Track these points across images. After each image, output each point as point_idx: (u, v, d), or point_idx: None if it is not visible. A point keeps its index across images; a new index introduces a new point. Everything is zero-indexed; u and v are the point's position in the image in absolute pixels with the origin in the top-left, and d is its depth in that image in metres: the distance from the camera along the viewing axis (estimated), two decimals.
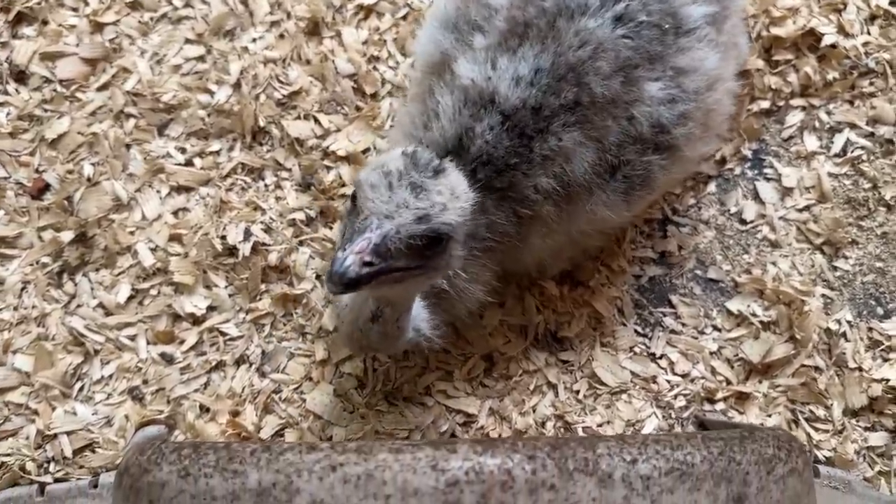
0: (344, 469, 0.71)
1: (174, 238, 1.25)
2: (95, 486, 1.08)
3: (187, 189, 1.29)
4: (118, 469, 0.76)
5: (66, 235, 1.24)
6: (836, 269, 1.29)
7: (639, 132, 0.97)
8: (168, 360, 1.20)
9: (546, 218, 1.00)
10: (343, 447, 0.72)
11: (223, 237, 1.25)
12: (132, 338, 1.20)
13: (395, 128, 1.24)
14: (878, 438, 1.20)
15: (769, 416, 1.21)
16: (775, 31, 1.36)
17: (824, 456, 1.18)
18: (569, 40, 0.93)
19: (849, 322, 1.26)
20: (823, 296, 1.27)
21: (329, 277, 0.72)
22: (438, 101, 0.98)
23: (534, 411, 1.19)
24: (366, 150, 1.31)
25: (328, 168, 1.31)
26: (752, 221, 1.31)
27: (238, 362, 1.20)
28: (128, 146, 1.31)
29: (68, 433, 1.14)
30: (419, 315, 0.99)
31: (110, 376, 1.19)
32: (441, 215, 0.76)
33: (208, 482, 0.67)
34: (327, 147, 1.31)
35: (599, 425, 1.17)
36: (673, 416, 1.20)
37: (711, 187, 1.34)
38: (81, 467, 1.13)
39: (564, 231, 1.05)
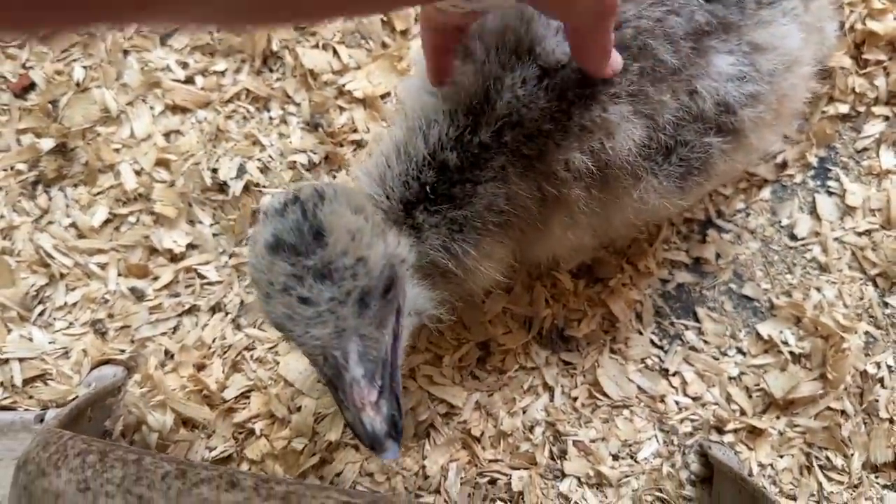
0: None
1: (162, 163, 1.13)
2: (41, 421, 1.01)
3: (183, 110, 1.16)
4: (17, 461, 0.66)
5: (47, 143, 1.12)
6: (886, 305, 1.15)
7: (700, 109, 0.81)
8: (138, 296, 1.10)
9: (573, 204, 0.84)
10: (269, 491, 0.60)
11: (215, 170, 1.13)
12: (103, 266, 1.10)
13: (409, 78, 1.07)
14: (895, 499, 1.08)
15: (781, 456, 1.09)
16: (872, 25, 1.17)
17: None
18: None
19: (889, 367, 1.13)
20: (867, 333, 1.14)
21: (370, 446, 0.64)
22: (468, 45, 0.83)
23: (524, 413, 1.08)
24: (385, 95, 1.17)
25: (341, 109, 1.17)
26: (803, 238, 1.16)
27: (213, 310, 1.10)
28: (125, 52, 1.18)
29: (21, 360, 1.06)
30: (418, 294, 0.84)
31: (74, 304, 1.09)
32: (389, 261, 0.69)
33: (108, 503, 0.57)
34: (343, 85, 1.16)
35: (593, 441, 1.07)
36: (675, 442, 1.09)
37: (765, 193, 1.18)
38: (31, 397, 1.05)
39: (591, 225, 0.90)
